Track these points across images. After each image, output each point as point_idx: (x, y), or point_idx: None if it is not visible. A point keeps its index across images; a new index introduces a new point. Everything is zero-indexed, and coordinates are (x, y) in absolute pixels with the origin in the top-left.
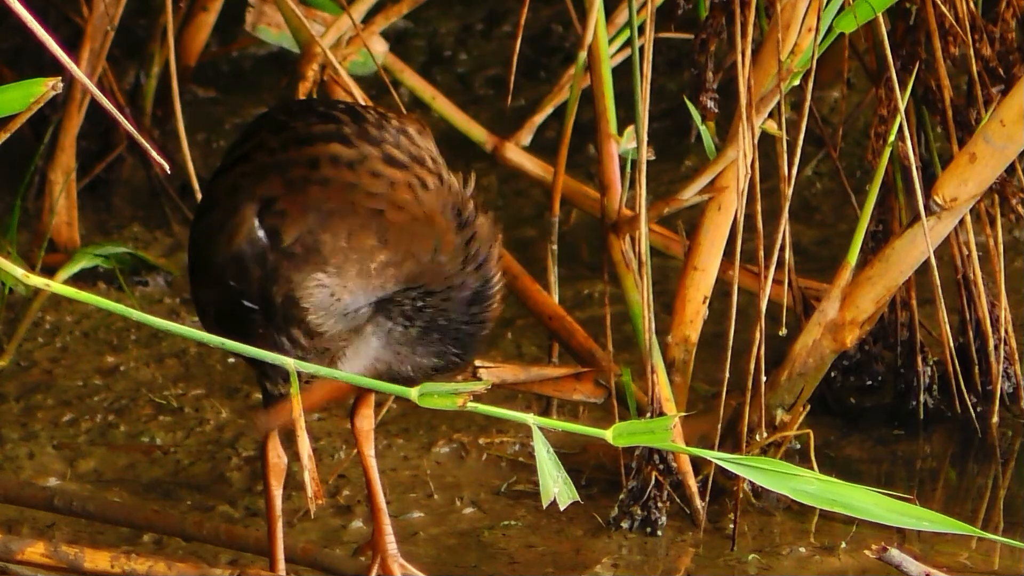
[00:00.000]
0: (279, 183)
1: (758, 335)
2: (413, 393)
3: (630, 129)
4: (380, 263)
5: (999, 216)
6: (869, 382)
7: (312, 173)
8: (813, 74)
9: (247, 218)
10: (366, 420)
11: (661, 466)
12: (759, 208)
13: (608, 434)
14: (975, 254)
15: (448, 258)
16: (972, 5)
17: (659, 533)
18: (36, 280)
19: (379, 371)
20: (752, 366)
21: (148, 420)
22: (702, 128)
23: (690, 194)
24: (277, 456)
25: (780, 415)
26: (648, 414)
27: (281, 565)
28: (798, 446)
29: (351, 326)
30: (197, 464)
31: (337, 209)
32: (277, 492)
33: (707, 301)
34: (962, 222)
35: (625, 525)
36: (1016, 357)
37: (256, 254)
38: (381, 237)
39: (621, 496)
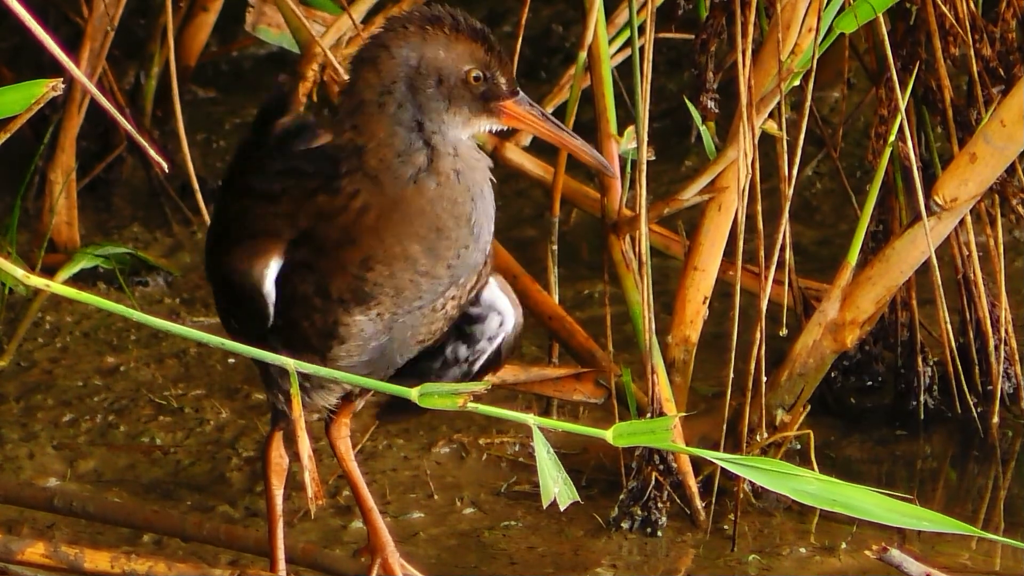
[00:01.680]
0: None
1: (758, 335)
2: (414, 394)
3: (630, 129)
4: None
5: (999, 216)
6: (869, 382)
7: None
8: (813, 74)
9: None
10: (344, 428)
11: (661, 466)
12: (759, 208)
13: (608, 434)
14: (975, 254)
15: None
16: (972, 5)
17: (659, 534)
18: (36, 280)
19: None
20: (752, 366)
21: (148, 420)
22: (702, 128)
23: (690, 194)
24: (279, 456)
25: (780, 415)
26: (648, 414)
27: (281, 565)
28: (798, 446)
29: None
30: (197, 464)
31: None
32: (278, 492)
33: (707, 301)
34: (962, 222)
35: (625, 526)
36: (1016, 357)
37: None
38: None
39: (621, 496)
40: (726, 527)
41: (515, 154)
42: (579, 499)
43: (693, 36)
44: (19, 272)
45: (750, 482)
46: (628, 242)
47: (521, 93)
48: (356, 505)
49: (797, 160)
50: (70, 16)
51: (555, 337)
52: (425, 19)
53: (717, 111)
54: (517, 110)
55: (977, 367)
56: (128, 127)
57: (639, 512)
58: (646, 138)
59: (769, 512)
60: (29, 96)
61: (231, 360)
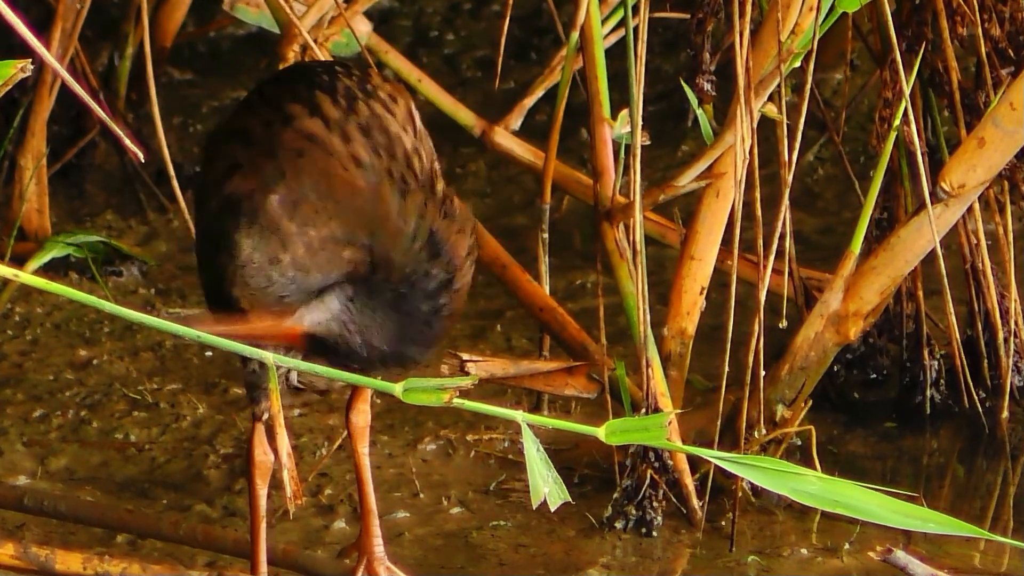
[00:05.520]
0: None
1: (757, 327)
2: (398, 388)
3: (624, 113)
4: (323, 237)
5: (1009, 203)
6: (873, 376)
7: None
8: (815, 55)
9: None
10: (362, 416)
11: (657, 464)
12: (758, 195)
13: (601, 432)
14: (984, 243)
15: (395, 246)
16: None
17: (655, 533)
18: (5, 270)
19: (334, 332)
20: (751, 360)
21: (122, 416)
22: (699, 112)
23: (687, 180)
24: (263, 453)
25: (781, 410)
26: (643, 409)
27: (263, 568)
28: (799, 442)
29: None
30: (173, 462)
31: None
32: (262, 491)
33: (704, 292)
34: (970, 210)
35: (619, 525)
36: None
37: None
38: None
39: (615, 495)
40: (724, 526)
41: (504, 139)
42: (570, 499)
43: (689, 16)
44: None
45: (749, 480)
46: (622, 230)
47: None
48: (339, 504)
49: (798, 145)
50: None
51: (546, 329)
52: None
53: (714, 94)
54: None
55: (985, 360)
56: (103, 115)
57: (633, 511)
58: (640, 122)
59: (769, 511)
60: None
61: (208, 353)
